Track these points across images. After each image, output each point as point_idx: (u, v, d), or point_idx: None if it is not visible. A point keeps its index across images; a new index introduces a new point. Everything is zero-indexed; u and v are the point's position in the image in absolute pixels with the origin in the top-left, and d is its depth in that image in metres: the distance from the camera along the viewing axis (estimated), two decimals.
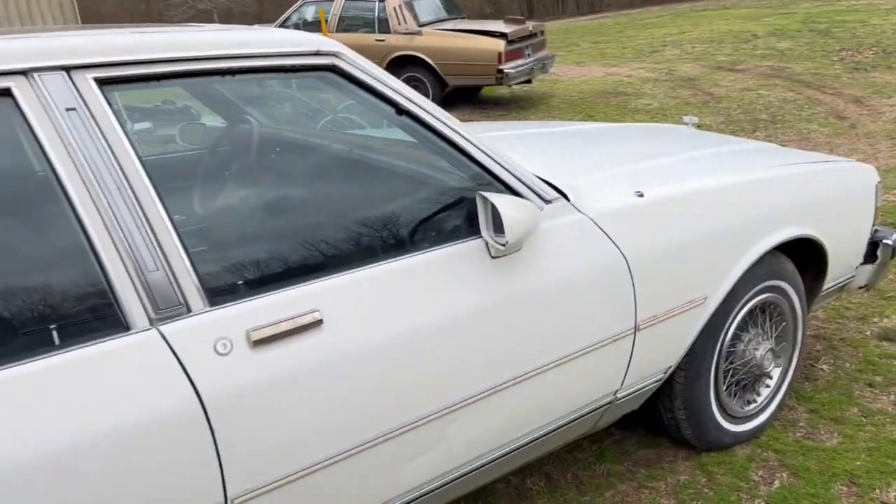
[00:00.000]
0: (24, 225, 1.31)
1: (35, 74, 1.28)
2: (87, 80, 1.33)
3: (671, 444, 2.38)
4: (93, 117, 1.31)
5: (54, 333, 1.27)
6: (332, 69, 1.59)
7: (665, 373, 2.09)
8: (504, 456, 1.81)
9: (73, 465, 1.19)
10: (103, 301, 1.29)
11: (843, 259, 2.49)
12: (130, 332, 1.29)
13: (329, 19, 9.46)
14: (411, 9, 9.07)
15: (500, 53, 8.02)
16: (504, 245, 1.60)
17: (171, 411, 1.28)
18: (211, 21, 22.09)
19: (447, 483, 1.71)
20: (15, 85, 1.26)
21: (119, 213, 1.29)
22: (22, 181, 1.33)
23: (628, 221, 1.91)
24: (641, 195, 1.98)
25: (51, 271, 1.31)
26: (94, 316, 1.29)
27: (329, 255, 1.54)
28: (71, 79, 1.31)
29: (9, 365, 1.19)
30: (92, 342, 1.27)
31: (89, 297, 1.29)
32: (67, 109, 1.29)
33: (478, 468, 1.77)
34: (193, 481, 1.31)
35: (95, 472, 1.21)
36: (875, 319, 3.13)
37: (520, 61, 8.36)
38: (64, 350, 1.25)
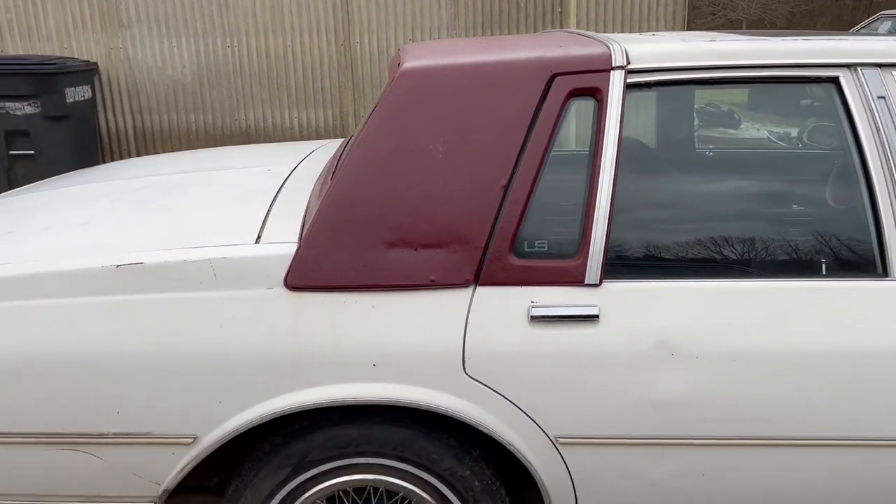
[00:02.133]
0: (826, 178, 1.72)
1: (858, 68, 1.65)
2: (892, 75, 1.66)
3: None
4: (894, 105, 1.63)
5: (822, 265, 1.65)
6: None
7: None
8: None
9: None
10: (870, 249, 1.62)
11: None
12: (888, 278, 1.60)
13: None
14: None
15: None
16: None
17: None
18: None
19: None
20: (841, 74, 1.66)
21: None
22: (836, 145, 1.74)
23: None
24: None
25: (834, 216, 1.69)
26: (859, 259, 1.64)
27: None
28: (882, 73, 1.65)
29: (781, 279, 1.61)
30: (852, 278, 1.62)
31: (860, 243, 1.64)
32: (878, 97, 1.63)
33: None
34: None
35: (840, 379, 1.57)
36: None
37: None
38: (827, 279, 1.62)
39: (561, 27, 5.99)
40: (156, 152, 6.12)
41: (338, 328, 1.58)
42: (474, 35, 5.99)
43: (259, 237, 1.68)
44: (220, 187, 2.16)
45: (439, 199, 1.58)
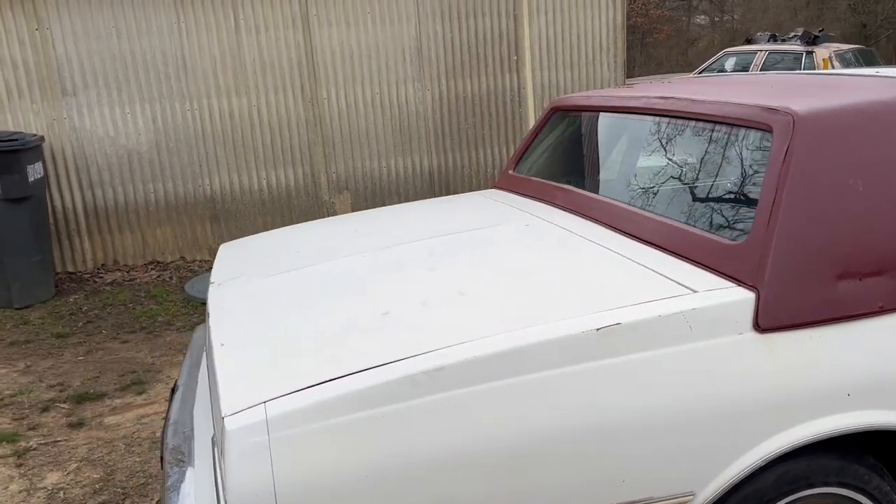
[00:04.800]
0: None
1: None
2: None
3: None
4: None
5: None
6: None
7: None
8: None
9: None
10: None
11: None
12: None
13: (750, 70, 10.05)
14: (843, 61, 9.32)
15: None
16: None
17: None
18: None
19: None
20: None
21: None
22: None
23: None
24: None
25: None
26: None
27: None
28: None
29: None
30: None
31: None
32: None
33: None
34: None
35: None
36: None
37: None
38: None
39: (518, 74, 6.26)
40: (110, 229, 5.54)
41: (811, 363, 1.62)
42: (439, 86, 6.09)
43: (684, 286, 1.69)
44: (508, 247, 2.10)
45: (872, 229, 1.69)
